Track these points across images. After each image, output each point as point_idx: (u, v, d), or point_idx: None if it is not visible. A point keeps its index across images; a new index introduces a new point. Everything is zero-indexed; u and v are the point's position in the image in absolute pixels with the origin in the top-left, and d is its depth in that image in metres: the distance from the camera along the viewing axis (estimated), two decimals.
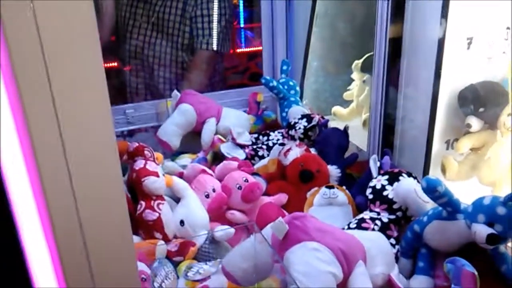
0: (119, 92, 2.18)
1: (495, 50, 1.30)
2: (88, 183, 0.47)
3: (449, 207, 1.01)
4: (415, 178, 1.21)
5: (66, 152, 0.45)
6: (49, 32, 0.42)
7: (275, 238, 0.91)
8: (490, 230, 0.93)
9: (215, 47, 2.04)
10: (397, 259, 1.11)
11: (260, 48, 3.06)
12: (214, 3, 2.02)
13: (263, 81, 1.78)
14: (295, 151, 1.37)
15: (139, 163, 1.21)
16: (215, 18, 2.03)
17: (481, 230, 0.93)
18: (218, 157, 1.60)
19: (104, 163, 0.47)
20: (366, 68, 1.76)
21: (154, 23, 2.05)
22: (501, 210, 0.93)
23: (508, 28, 1.28)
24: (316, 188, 1.29)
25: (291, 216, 0.92)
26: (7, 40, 0.41)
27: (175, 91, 1.73)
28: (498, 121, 1.23)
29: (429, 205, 1.12)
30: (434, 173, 1.35)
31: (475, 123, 1.26)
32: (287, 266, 0.86)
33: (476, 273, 0.95)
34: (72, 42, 0.43)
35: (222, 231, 1.15)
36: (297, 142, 1.49)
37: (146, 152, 1.26)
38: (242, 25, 3.60)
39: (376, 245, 0.98)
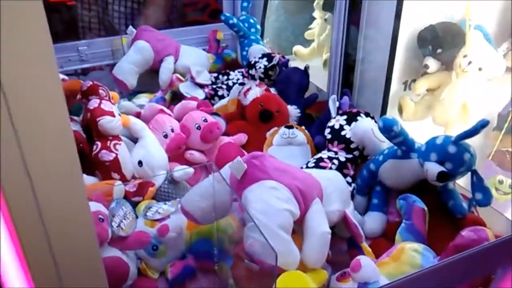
0: (71, 27, 2.06)
1: None
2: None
3: (404, 146, 1.04)
4: (372, 118, 1.23)
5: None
6: None
7: (233, 177, 0.91)
8: (441, 168, 0.96)
9: None
10: (352, 196, 1.14)
11: None
12: None
13: (222, 18, 1.72)
14: (255, 91, 1.36)
15: (94, 103, 1.16)
16: None
17: (433, 168, 0.97)
18: (177, 97, 1.57)
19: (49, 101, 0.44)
20: (328, 6, 1.73)
21: None
22: (452, 149, 0.96)
23: None
24: (275, 128, 1.30)
25: (249, 155, 0.92)
26: None
27: (131, 27, 1.65)
28: (454, 63, 1.25)
29: (385, 144, 1.15)
30: (392, 113, 1.37)
31: (432, 64, 1.28)
32: (245, 205, 0.87)
33: (425, 208, 1.00)
34: None
35: (181, 170, 1.14)
36: (257, 81, 1.48)
37: (100, 91, 1.21)
38: None
39: (333, 183, 1.00)
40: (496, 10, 1.32)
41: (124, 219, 0.97)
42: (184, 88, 1.58)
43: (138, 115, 1.30)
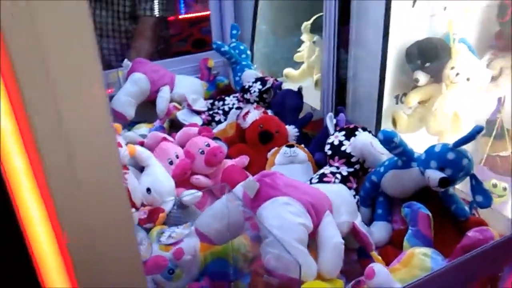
0: None
1: (437, 7, 1.37)
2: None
3: (404, 156, 1.08)
4: (370, 132, 1.28)
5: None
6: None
7: (246, 196, 0.94)
8: (441, 174, 1.01)
9: (158, 13, 2.00)
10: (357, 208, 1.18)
11: (202, 13, 3.01)
12: None
13: (214, 46, 1.78)
14: (254, 114, 1.40)
15: None
16: None
17: (434, 175, 1.01)
18: (175, 125, 1.61)
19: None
20: (316, 29, 1.80)
21: None
22: (450, 156, 1.02)
23: None
24: (276, 148, 1.34)
25: (260, 174, 0.96)
26: None
27: (126, 60, 1.69)
28: (443, 75, 1.32)
29: (384, 156, 1.20)
30: (386, 126, 1.43)
31: (422, 77, 1.35)
32: (260, 222, 0.90)
33: (430, 214, 1.04)
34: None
35: (190, 195, 1.17)
36: (255, 104, 1.52)
37: None
38: None
39: (340, 196, 1.04)
40: (476, 23, 1.39)
41: (141, 245, 0.99)
42: (182, 115, 1.62)
43: (141, 144, 1.33)
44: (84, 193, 0.50)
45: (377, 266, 0.93)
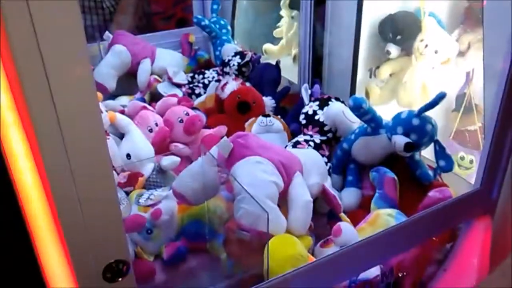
0: None
1: None
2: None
3: (372, 123, 1.14)
4: (342, 102, 1.33)
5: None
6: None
7: (221, 156, 0.99)
8: (407, 139, 1.07)
9: None
10: (329, 175, 1.23)
11: None
12: None
13: (195, 20, 1.81)
14: (232, 85, 1.44)
15: None
16: None
17: (400, 140, 1.07)
18: (155, 97, 1.63)
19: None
20: (294, 4, 1.83)
21: None
22: (415, 121, 1.07)
23: None
24: (253, 118, 1.38)
25: (234, 135, 1.00)
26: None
27: (107, 33, 1.71)
28: (413, 47, 1.37)
29: (356, 125, 1.25)
30: None
31: (393, 49, 1.40)
32: (234, 180, 0.94)
33: (396, 178, 1.10)
34: None
35: (169, 159, 1.21)
36: (233, 77, 1.56)
37: None
38: None
39: (311, 159, 1.09)
40: None
41: (120, 204, 1.03)
42: (162, 88, 1.64)
43: (122, 113, 1.36)
44: (72, 156, 0.55)
45: (344, 225, 0.99)
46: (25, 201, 0.68)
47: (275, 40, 2.00)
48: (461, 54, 1.42)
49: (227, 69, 1.65)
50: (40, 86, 0.50)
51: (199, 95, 1.65)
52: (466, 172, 1.59)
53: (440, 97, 1.02)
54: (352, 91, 1.48)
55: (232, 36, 1.94)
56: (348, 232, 0.98)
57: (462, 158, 1.60)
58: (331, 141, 1.29)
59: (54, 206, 0.57)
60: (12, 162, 0.66)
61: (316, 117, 1.29)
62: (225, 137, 0.98)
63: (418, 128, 1.07)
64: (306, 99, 1.36)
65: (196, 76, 1.75)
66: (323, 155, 1.24)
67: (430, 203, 0.98)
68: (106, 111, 1.26)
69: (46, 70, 0.49)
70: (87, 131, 0.55)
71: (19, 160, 0.63)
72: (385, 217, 1.03)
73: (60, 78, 0.51)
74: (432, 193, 1.00)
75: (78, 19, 0.51)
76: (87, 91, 0.53)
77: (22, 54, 0.48)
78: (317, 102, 1.32)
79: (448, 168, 1.08)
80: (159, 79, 1.69)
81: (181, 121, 1.32)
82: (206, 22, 1.80)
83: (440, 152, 1.09)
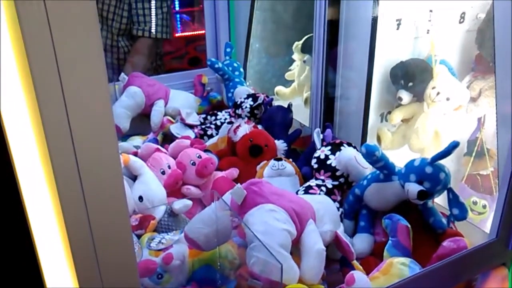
0: None
1: (420, 30, 1.44)
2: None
3: (385, 170, 1.14)
4: (354, 147, 1.33)
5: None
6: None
7: (234, 203, 0.99)
8: (420, 187, 1.06)
9: (157, 35, 2.06)
10: (340, 221, 1.22)
11: (198, 32, 3.09)
12: None
13: (208, 63, 1.84)
14: (244, 128, 1.45)
15: None
16: (154, 4, 2.04)
17: (413, 188, 1.07)
18: (168, 138, 1.66)
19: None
20: (306, 48, 1.87)
21: None
22: (428, 169, 1.07)
23: (431, 10, 1.43)
24: (265, 162, 1.38)
25: (248, 182, 1.00)
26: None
27: (123, 74, 1.75)
28: (424, 94, 1.38)
29: (368, 170, 1.25)
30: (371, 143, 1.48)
31: (405, 96, 1.41)
32: (246, 227, 0.94)
33: (409, 225, 1.09)
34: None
35: (181, 203, 1.21)
36: (246, 119, 1.58)
37: None
38: (177, 9, 3.58)
39: (324, 206, 1.09)
40: (457, 46, 1.47)
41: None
42: (175, 129, 1.67)
43: (135, 154, 1.38)
44: (88, 195, 0.55)
45: (357, 274, 0.98)
46: (40, 240, 0.68)
47: (286, 83, 2.03)
48: (472, 100, 1.43)
49: (239, 111, 1.67)
50: (59, 120, 0.51)
51: (211, 136, 1.67)
52: (479, 217, 1.58)
53: (454, 146, 1.02)
54: (364, 134, 1.49)
55: (245, 78, 1.97)
56: (361, 282, 0.97)
57: (475, 203, 1.59)
58: (343, 186, 1.29)
59: (70, 253, 0.57)
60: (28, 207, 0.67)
61: (328, 162, 1.29)
62: (239, 184, 0.98)
63: (431, 176, 1.06)
64: (318, 143, 1.37)
65: (209, 117, 1.77)
66: (335, 200, 1.24)
67: (445, 253, 0.97)
68: (120, 153, 1.27)
69: (67, 109, 0.51)
70: (106, 175, 0.56)
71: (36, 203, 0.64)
72: (398, 266, 1.02)
73: (80, 119, 0.52)
74: (446, 243, 0.99)
75: (101, 59, 0.52)
76: (108, 131, 0.55)
77: (44, 94, 0.50)
78: (329, 147, 1.32)
79: (462, 216, 1.07)
80: (172, 120, 1.71)
81: (194, 163, 1.33)
82: (220, 65, 1.84)
83: (454, 200, 1.08)
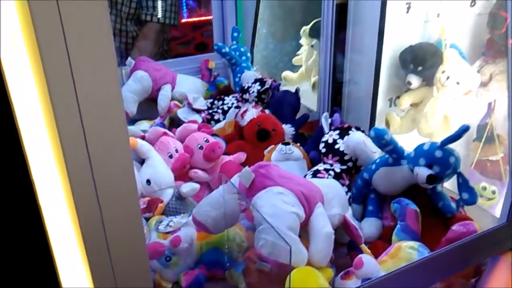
0: None
1: (430, 13, 1.42)
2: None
3: (394, 154, 1.13)
4: (363, 131, 1.32)
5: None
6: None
7: (242, 186, 0.98)
8: (429, 171, 1.05)
9: (162, 20, 2.06)
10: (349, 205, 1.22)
11: (205, 18, 3.07)
12: None
13: (215, 47, 1.83)
14: (252, 112, 1.44)
15: None
16: None
17: (422, 172, 1.06)
18: (175, 123, 1.65)
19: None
20: (314, 33, 1.85)
21: None
22: (438, 153, 1.06)
23: None
24: (272, 146, 1.38)
25: (256, 165, 1.00)
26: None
27: (130, 59, 1.74)
28: (434, 78, 1.37)
29: (376, 155, 1.24)
30: None
31: (414, 80, 1.40)
32: (255, 210, 0.94)
33: (418, 210, 1.09)
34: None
35: (188, 186, 1.21)
36: (253, 104, 1.57)
37: None
38: None
39: (332, 190, 1.08)
40: (468, 30, 1.45)
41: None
42: (182, 113, 1.66)
43: (142, 138, 1.38)
44: (98, 180, 0.55)
45: (366, 257, 0.98)
46: (50, 223, 0.68)
47: (294, 68, 2.02)
48: (483, 84, 1.42)
49: (246, 96, 1.66)
50: (70, 108, 0.51)
51: (218, 121, 1.67)
52: (488, 203, 1.57)
53: (464, 129, 1.01)
54: (372, 119, 1.48)
55: (252, 63, 1.96)
56: (370, 265, 0.96)
57: (484, 188, 1.58)
58: (351, 170, 1.28)
59: (81, 236, 0.57)
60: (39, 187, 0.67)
61: (336, 146, 1.29)
62: (247, 167, 0.98)
63: (441, 160, 1.05)
64: (326, 127, 1.36)
65: (216, 102, 1.76)
66: (343, 184, 1.24)
67: (454, 237, 0.97)
68: None
69: (76, 93, 0.51)
70: (115, 157, 0.56)
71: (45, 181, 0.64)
72: (407, 250, 1.01)
73: (90, 104, 0.52)
74: (456, 227, 0.98)
75: (111, 42, 0.52)
76: (117, 115, 0.55)
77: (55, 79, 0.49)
78: (338, 131, 1.32)
79: (472, 201, 1.07)
80: (179, 104, 1.71)
81: (201, 147, 1.33)
82: (227, 49, 1.82)
83: (464, 184, 1.07)
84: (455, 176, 1.09)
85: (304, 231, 1.00)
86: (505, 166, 1.48)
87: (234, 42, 1.92)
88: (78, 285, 0.66)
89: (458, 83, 1.34)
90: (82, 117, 0.52)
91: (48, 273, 0.68)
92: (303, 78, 1.96)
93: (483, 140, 1.54)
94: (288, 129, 1.46)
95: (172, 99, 1.73)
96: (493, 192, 1.56)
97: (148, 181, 1.24)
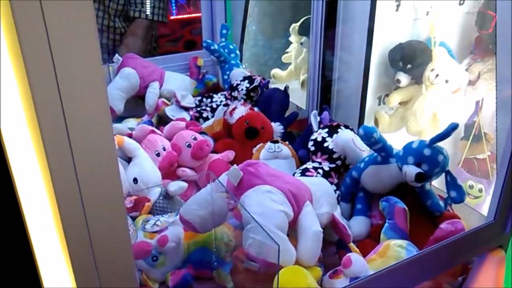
0: None
1: (420, 11, 1.42)
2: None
3: (383, 152, 1.13)
4: (352, 130, 1.32)
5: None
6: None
7: (230, 185, 0.97)
8: (418, 170, 1.05)
9: (150, 16, 2.04)
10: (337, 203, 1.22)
11: (194, 15, 3.05)
12: None
13: (204, 44, 1.81)
14: (240, 110, 1.43)
15: None
16: None
17: (411, 170, 1.06)
18: (163, 120, 1.63)
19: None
20: (304, 30, 1.84)
21: None
22: (427, 152, 1.06)
23: None
24: (261, 144, 1.37)
25: (244, 163, 0.99)
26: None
27: (117, 56, 1.72)
28: (423, 76, 1.37)
29: (365, 153, 1.24)
30: None
31: (403, 78, 1.39)
32: (243, 209, 0.93)
33: (406, 208, 1.08)
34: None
35: (176, 185, 1.20)
36: (242, 101, 1.56)
37: None
38: None
39: (321, 188, 1.08)
40: (457, 28, 1.45)
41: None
42: (170, 111, 1.64)
43: (129, 136, 1.36)
44: (81, 178, 0.54)
45: (354, 256, 0.97)
46: (31, 222, 0.67)
47: (283, 66, 2.01)
48: (471, 83, 1.42)
49: (235, 94, 1.65)
50: (53, 104, 0.50)
51: (206, 118, 1.65)
52: (475, 201, 1.58)
53: (453, 128, 1.01)
54: (361, 117, 1.47)
55: (241, 60, 1.95)
56: (358, 264, 0.96)
57: (471, 187, 1.59)
58: (340, 169, 1.28)
59: (64, 235, 0.56)
60: (19, 185, 0.65)
61: (325, 145, 1.28)
62: (235, 165, 0.97)
63: (429, 158, 1.05)
64: (315, 125, 1.35)
65: (204, 99, 1.75)
66: (331, 183, 1.23)
67: (442, 235, 0.97)
68: (114, 134, 1.25)
69: (60, 90, 0.49)
70: (99, 155, 0.54)
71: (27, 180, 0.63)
72: (396, 248, 1.01)
73: (74, 100, 0.50)
74: (444, 225, 0.98)
75: (95, 39, 0.51)
76: (101, 113, 0.53)
77: (36, 75, 0.48)
78: (326, 129, 1.31)
79: (460, 199, 1.07)
80: (167, 102, 1.69)
81: (189, 145, 1.31)
82: (216, 46, 1.81)
83: (452, 183, 1.07)
84: (443, 174, 1.09)
85: (293, 230, 0.99)
86: (492, 164, 1.49)
87: (223, 39, 1.91)
88: (60, 286, 0.64)
89: (447, 81, 1.34)
90: (65, 115, 0.51)
91: (29, 272, 0.67)
92: (292, 76, 1.96)
93: (470, 138, 1.54)
94: (277, 127, 1.45)
95: (160, 96, 1.71)
96: (480, 190, 1.57)
97: (135, 180, 1.22)
